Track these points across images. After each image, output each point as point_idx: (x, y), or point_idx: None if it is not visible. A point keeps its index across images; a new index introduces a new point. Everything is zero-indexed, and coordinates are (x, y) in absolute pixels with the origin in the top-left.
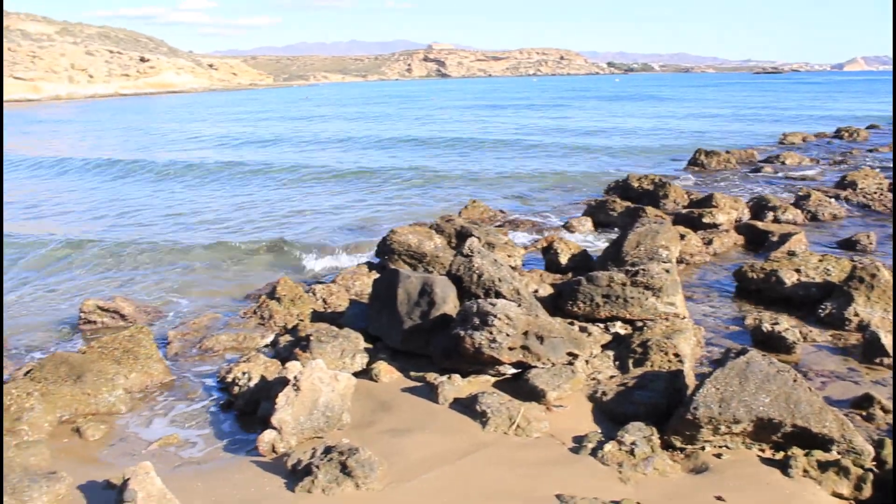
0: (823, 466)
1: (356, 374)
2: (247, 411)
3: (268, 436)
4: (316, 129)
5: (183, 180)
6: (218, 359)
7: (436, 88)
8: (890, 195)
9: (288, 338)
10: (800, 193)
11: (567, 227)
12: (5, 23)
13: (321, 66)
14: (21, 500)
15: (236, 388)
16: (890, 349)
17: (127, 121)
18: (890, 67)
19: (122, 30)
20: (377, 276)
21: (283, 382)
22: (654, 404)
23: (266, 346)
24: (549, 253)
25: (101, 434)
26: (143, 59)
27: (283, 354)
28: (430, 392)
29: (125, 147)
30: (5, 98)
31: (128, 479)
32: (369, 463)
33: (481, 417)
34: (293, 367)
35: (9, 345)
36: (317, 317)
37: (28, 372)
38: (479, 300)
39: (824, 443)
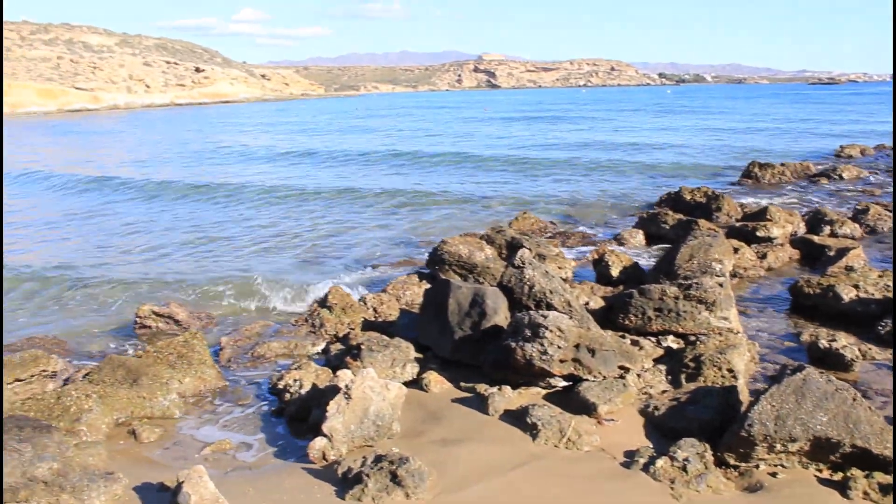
0: (885, 489)
1: (406, 384)
2: (298, 418)
3: (319, 443)
4: (364, 144)
5: (240, 199)
6: (269, 365)
7: (485, 99)
8: None
9: (339, 346)
10: (858, 207)
11: (618, 239)
12: (69, 35)
13: (372, 77)
14: (80, 499)
15: (287, 395)
16: None
17: (181, 131)
18: None
19: (179, 41)
20: (427, 286)
21: (334, 390)
22: (707, 420)
23: (317, 353)
24: (599, 265)
25: (156, 437)
26: (198, 70)
27: (333, 363)
28: (480, 403)
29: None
30: (68, 107)
31: (182, 482)
32: (419, 473)
33: (532, 429)
34: (344, 376)
35: (68, 347)
36: (367, 325)
37: (87, 374)
38: (531, 312)
39: (886, 464)
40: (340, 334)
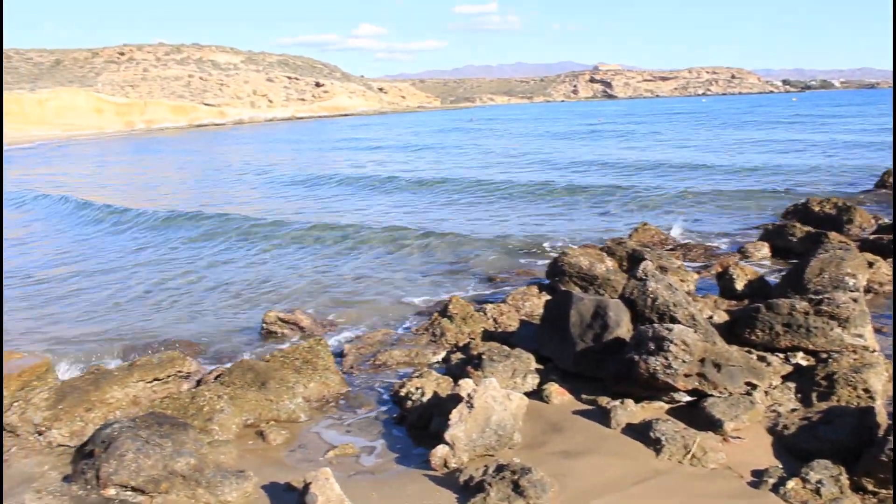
0: None
1: (527, 395)
2: (419, 425)
3: (440, 451)
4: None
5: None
6: (391, 373)
7: (603, 110)
8: None
9: (459, 355)
10: None
11: (742, 252)
12: (199, 54)
13: (487, 89)
14: (215, 494)
15: (409, 403)
16: None
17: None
18: None
19: (300, 57)
20: (547, 297)
21: (456, 399)
22: (842, 442)
23: (437, 362)
24: (723, 278)
25: (283, 439)
26: (318, 84)
27: (454, 372)
28: (601, 416)
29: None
30: (197, 122)
31: (309, 483)
32: (541, 483)
33: (655, 444)
34: (466, 385)
35: (199, 349)
36: (487, 336)
37: (218, 376)
38: (655, 324)
39: None
40: (460, 344)
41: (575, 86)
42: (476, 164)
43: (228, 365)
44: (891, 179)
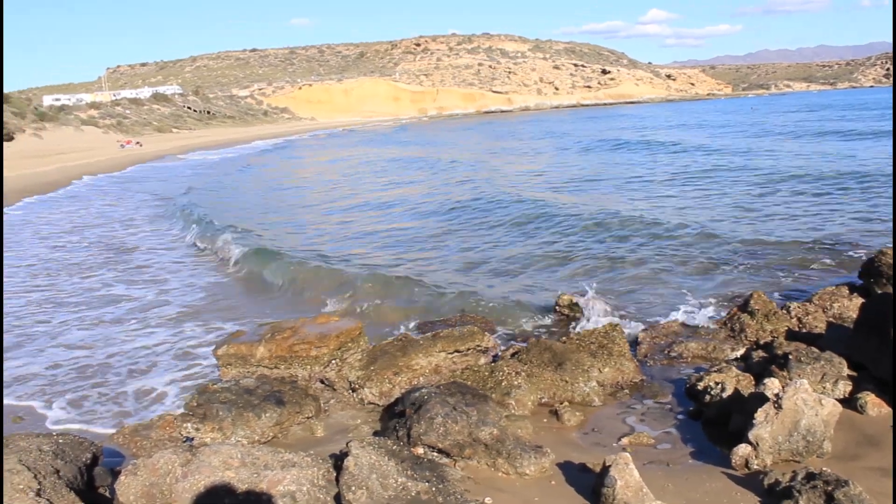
0: None
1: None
2: (716, 422)
3: (742, 450)
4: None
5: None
6: (685, 366)
7: None
8: None
9: (761, 353)
10: None
11: None
12: (488, 43)
13: (783, 74)
14: (514, 466)
15: (707, 398)
16: None
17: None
18: None
19: (586, 44)
20: (860, 299)
21: (760, 398)
22: None
23: (735, 359)
24: None
25: (577, 421)
26: (604, 72)
27: (755, 370)
28: None
29: None
30: (484, 109)
31: (609, 466)
32: (860, 500)
33: None
34: (773, 385)
35: (492, 326)
36: (791, 335)
37: (515, 353)
38: None
39: None
40: (761, 341)
41: (888, 69)
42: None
43: (523, 343)
44: None
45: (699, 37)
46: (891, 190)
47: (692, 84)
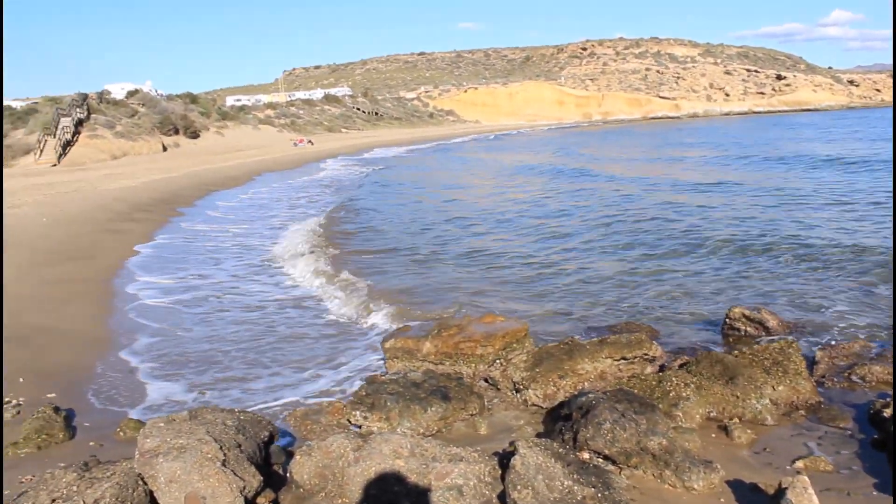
0: None
1: None
2: None
3: None
4: None
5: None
6: (868, 390)
7: None
8: None
9: None
10: None
11: None
12: (657, 48)
13: None
14: (681, 479)
15: (893, 427)
16: None
17: None
18: None
19: (761, 49)
20: None
21: None
22: None
23: None
24: None
25: (747, 439)
26: (779, 77)
27: None
28: None
29: None
30: (650, 114)
31: (785, 488)
32: None
33: None
34: None
35: (659, 335)
36: None
37: (683, 364)
38: None
39: None
40: None
41: None
42: None
43: (691, 355)
44: None
45: (887, 39)
46: None
47: (878, 90)
